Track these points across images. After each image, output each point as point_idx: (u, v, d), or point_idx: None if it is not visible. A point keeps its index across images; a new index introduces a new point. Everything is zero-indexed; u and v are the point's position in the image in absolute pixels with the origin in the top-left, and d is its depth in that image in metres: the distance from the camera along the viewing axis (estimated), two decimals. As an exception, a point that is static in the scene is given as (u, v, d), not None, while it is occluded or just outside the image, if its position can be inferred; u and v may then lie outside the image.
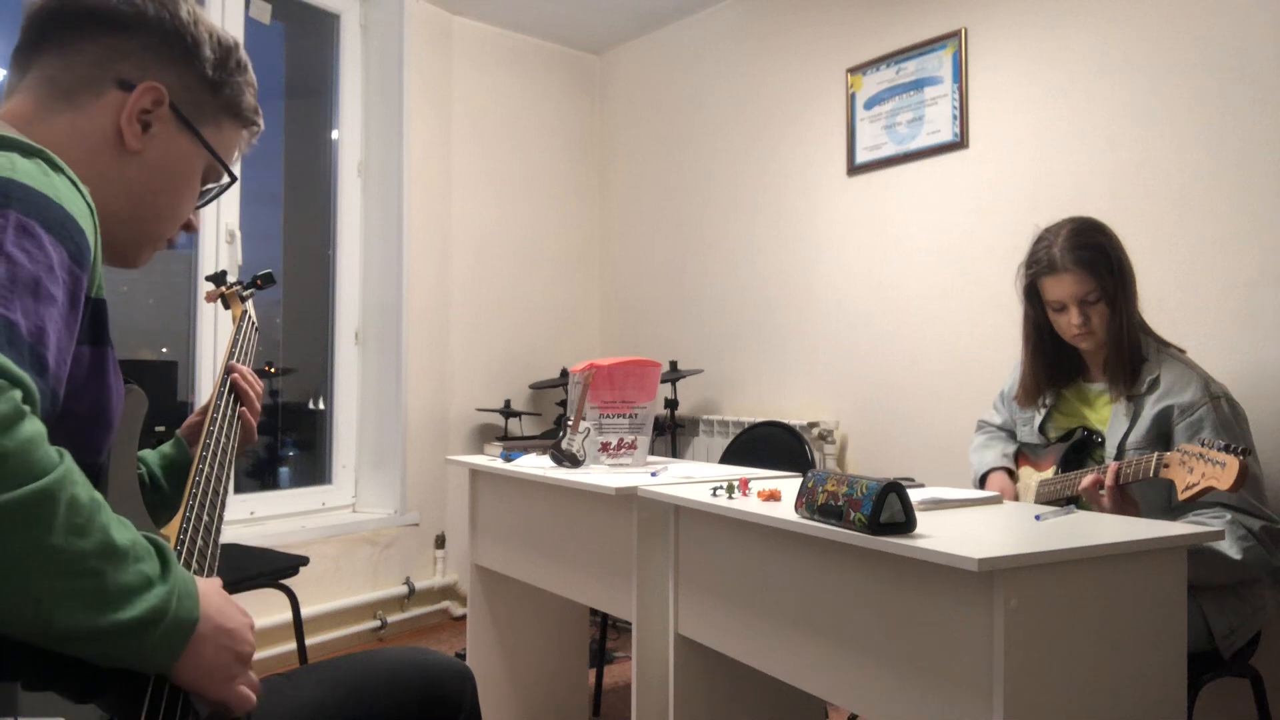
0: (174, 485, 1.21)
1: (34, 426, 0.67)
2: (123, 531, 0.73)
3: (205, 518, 0.99)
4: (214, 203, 1.21)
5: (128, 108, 0.95)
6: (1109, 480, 1.75)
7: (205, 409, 1.20)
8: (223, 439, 1.14)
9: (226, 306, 1.53)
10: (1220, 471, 1.52)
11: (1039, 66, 2.71)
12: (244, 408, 1.24)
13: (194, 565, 0.92)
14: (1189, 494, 1.57)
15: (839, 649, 1.44)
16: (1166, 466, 1.65)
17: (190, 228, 1.09)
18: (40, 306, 0.73)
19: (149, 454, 1.23)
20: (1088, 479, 1.80)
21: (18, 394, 0.68)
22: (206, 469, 1.07)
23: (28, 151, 0.82)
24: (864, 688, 1.40)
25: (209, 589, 0.83)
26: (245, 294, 1.54)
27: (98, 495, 0.72)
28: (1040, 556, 1.20)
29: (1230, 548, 1.68)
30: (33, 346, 0.72)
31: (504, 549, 2.46)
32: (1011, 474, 2.09)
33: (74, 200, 0.82)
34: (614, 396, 2.25)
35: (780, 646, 1.57)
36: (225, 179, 1.10)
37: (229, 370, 1.26)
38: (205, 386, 3.19)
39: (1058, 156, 2.66)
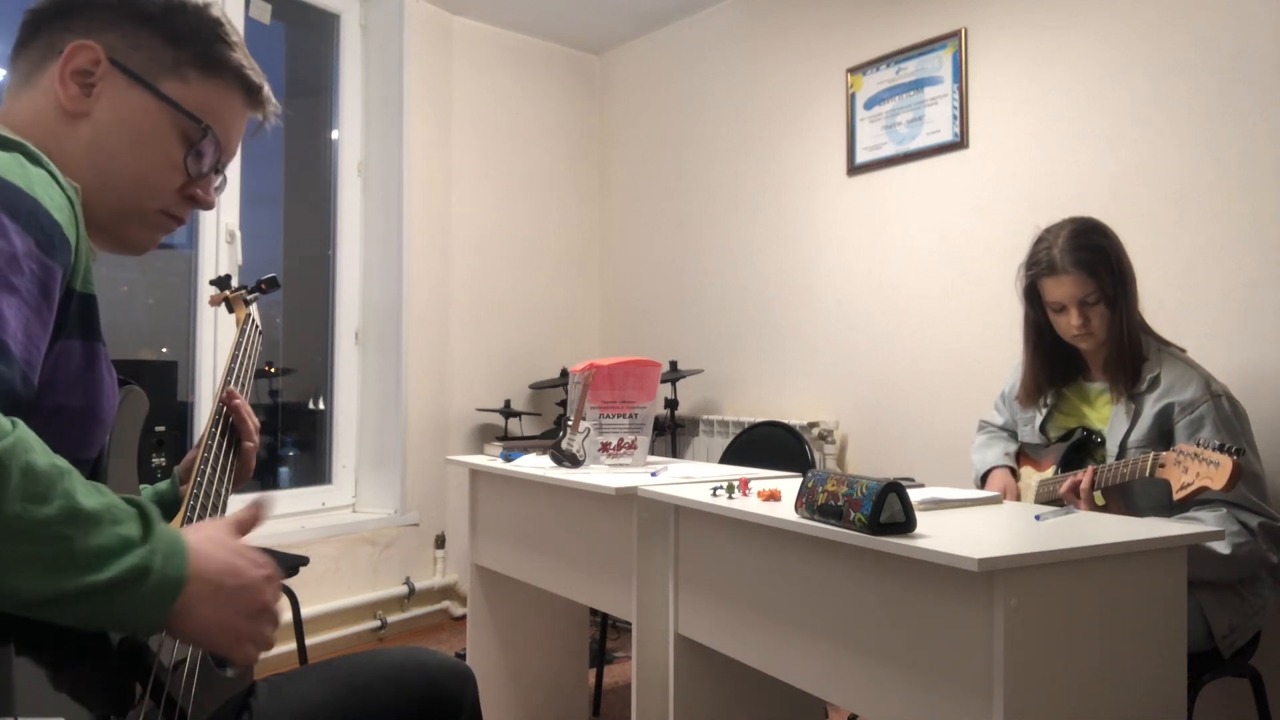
0: None
1: None
2: (94, 497, 0.72)
3: (206, 518, 0.99)
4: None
5: (57, 68, 0.95)
6: (1084, 484, 1.76)
7: (201, 440, 1.15)
8: (216, 468, 1.09)
9: (230, 310, 1.53)
10: (1214, 471, 1.53)
11: (1039, 66, 2.71)
12: (245, 443, 1.16)
13: None
14: (1184, 494, 1.59)
15: (839, 649, 1.44)
16: (1162, 466, 1.66)
17: (199, 201, 1.04)
18: None
19: (144, 488, 1.20)
20: (1064, 485, 1.81)
21: None
22: (209, 470, 1.07)
23: (7, 145, 0.83)
24: (864, 688, 1.40)
25: (212, 547, 0.81)
26: (249, 298, 1.54)
27: (61, 462, 0.71)
28: (1040, 556, 1.20)
29: (1221, 543, 1.68)
30: None
31: (504, 549, 2.46)
32: (1014, 472, 2.09)
33: (49, 192, 0.82)
34: (614, 396, 2.25)
35: (780, 646, 1.57)
36: (210, 143, 1.02)
37: (227, 397, 1.18)
38: (205, 387, 3.19)
39: (1058, 156, 2.66)
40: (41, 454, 0.70)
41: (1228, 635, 1.74)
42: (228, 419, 1.16)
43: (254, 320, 1.46)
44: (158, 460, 2.51)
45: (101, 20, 0.98)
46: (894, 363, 3.09)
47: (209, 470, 1.07)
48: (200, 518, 0.99)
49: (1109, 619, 1.27)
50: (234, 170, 3.29)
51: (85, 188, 0.93)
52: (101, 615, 0.71)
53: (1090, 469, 1.79)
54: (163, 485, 1.20)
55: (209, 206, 1.06)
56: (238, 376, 1.29)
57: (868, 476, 1.40)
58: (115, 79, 0.97)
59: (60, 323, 0.81)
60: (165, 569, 0.74)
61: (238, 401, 1.17)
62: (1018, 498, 2.03)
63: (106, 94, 0.96)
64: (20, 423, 0.70)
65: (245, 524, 0.90)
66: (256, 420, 1.21)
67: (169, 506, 1.15)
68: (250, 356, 1.37)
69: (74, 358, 0.83)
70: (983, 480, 2.13)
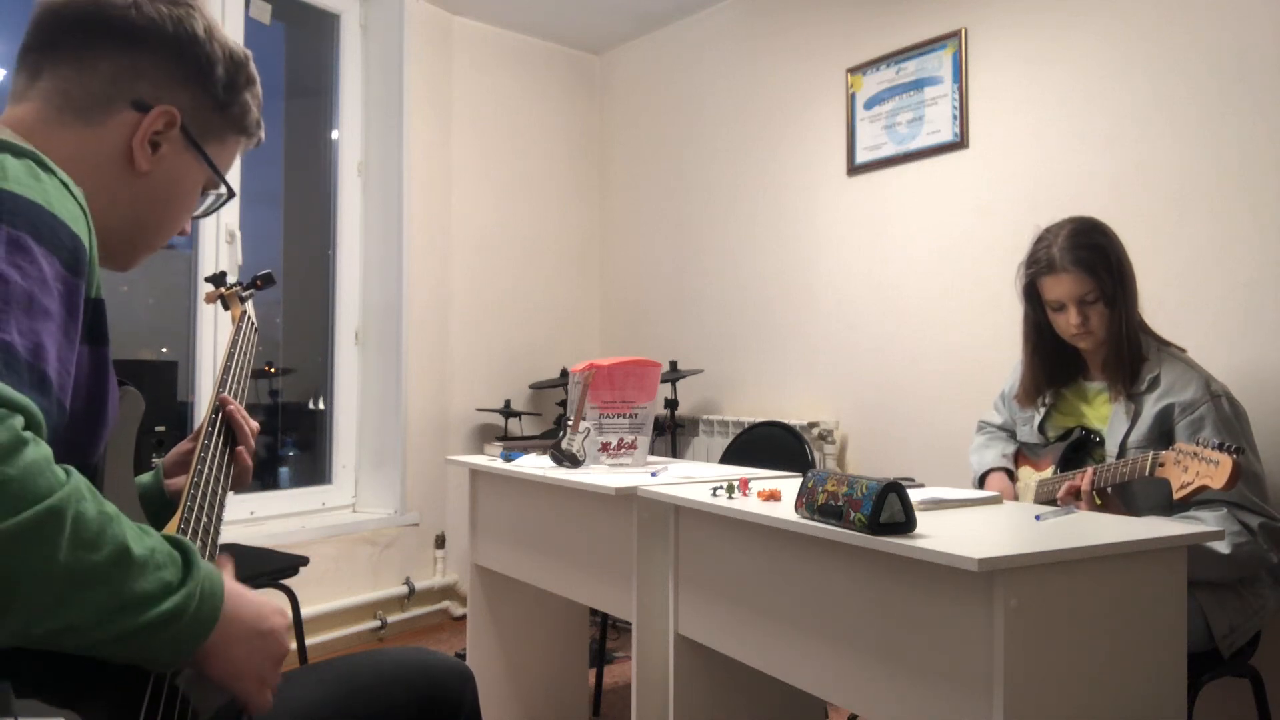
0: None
1: (37, 451, 0.67)
2: (142, 540, 0.73)
3: (204, 519, 0.99)
4: (213, 204, 1.20)
5: (142, 130, 0.95)
6: (1085, 486, 1.76)
7: (196, 435, 1.16)
8: (213, 468, 1.09)
9: (226, 307, 1.53)
10: (1214, 470, 1.53)
11: (1039, 66, 2.71)
12: (240, 447, 1.17)
13: None
14: (1183, 493, 1.59)
15: (839, 649, 1.44)
16: (1162, 466, 1.66)
17: (183, 232, 1.10)
18: (35, 323, 0.73)
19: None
20: (1062, 490, 1.81)
21: (18, 420, 0.67)
22: (206, 471, 1.07)
23: (17, 153, 0.82)
24: (864, 688, 1.40)
25: (245, 589, 0.84)
26: (245, 295, 1.54)
27: (110, 508, 0.72)
28: (1040, 556, 1.20)
29: (1221, 543, 1.68)
30: (31, 365, 0.72)
31: (504, 549, 2.46)
32: (1011, 474, 2.09)
33: (65, 204, 0.81)
34: (614, 396, 2.25)
35: (780, 646, 1.57)
36: (224, 191, 1.10)
37: (221, 403, 1.18)
38: (205, 386, 3.19)
39: (1058, 156, 2.66)
40: (91, 501, 0.70)
41: (1228, 635, 1.74)
42: (224, 421, 1.17)
43: (250, 317, 1.46)
44: (158, 460, 2.51)
45: (170, 75, 0.97)
46: (894, 363, 3.09)
47: (206, 470, 1.07)
48: (198, 517, 0.98)
49: (1109, 619, 1.27)
50: (234, 170, 3.28)
51: (113, 229, 0.95)
52: (128, 654, 0.73)
53: (1090, 470, 1.79)
54: (146, 478, 1.20)
55: (186, 234, 1.12)
56: (234, 374, 1.28)
57: (868, 476, 1.40)
58: (176, 142, 0.99)
59: None
60: (198, 611, 0.76)
61: (231, 408, 1.18)
62: (1015, 500, 2.02)
63: (167, 156, 0.99)
64: (74, 471, 0.70)
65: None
66: (255, 424, 1.21)
67: (154, 500, 1.16)
68: (247, 354, 1.37)
69: (83, 364, 0.83)
70: (980, 483, 2.13)
